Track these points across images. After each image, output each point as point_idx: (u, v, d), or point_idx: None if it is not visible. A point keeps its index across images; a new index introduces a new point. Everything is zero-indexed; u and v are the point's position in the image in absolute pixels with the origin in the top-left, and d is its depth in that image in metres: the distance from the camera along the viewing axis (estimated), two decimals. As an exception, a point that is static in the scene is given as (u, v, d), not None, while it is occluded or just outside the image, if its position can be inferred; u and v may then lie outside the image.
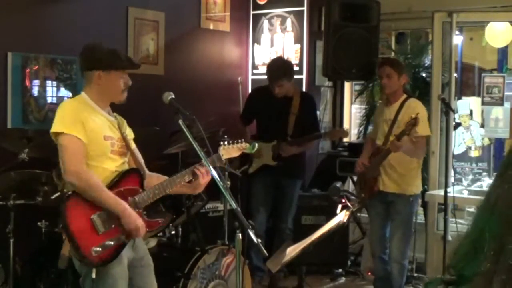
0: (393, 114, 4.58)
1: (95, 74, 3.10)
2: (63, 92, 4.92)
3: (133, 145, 3.27)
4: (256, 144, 3.51)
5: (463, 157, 6.19)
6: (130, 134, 3.28)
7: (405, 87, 4.89)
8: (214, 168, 3.04)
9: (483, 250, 0.88)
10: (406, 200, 4.61)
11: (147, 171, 3.29)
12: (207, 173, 3.15)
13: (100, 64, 3.10)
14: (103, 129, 3.08)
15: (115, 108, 3.28)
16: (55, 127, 3.00)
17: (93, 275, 2.93)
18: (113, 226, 2.99)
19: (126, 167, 3.18)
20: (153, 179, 3.26)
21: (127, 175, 3.14)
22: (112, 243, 2.97)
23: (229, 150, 3.38)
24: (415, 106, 4.54)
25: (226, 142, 3.38)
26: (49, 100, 4.83)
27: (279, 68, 5.28)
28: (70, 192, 2.99)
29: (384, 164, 4.58)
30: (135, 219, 3.02)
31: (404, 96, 4.68)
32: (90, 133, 3.01)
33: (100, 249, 2.92)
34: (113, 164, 3.10)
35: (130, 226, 3.01)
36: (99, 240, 2.94)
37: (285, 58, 6.07)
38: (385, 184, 4.62)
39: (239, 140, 3.43)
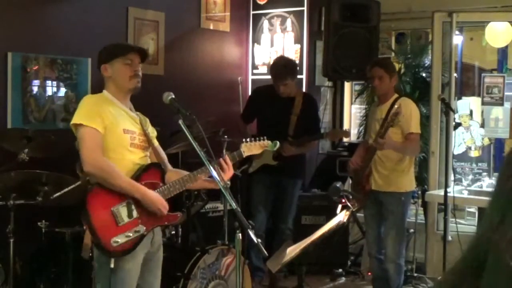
0: (384, 113, 4.57)
1: (102, 68, 3.21)
2: (63, 92, 4.92)
3: (156, 143, 3.34)
4: (278, 143, 3.53)
5: (463, 157, 6.18)
6: (152, 132, 3.35)
7: (397, 86, 4.89)
8: (214, 168, 3.05)
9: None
10: (398, 199, 4.60)
11: (169, 166, 3.36)
12: (230, 168, 3.21)
13: (103, 58, 3.22)
14: (122, 122, 3.14)
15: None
16: (74, 119, 3.08)
17: (112, 265, 2.97)
18: (133, 218, 3.06)
19: (148, 160, 3.24)
20: (174, 174, 3.31)
21: (148, 169, 3.20)
22: (131, 234, 3.03)
23: (250, 147, 3.41)
24: (406, 104, 4.53)
25: (248, 139, 3.42)
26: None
27: (284, 66, 5.25)
28: (93, 183, 3.06)
29: (375, 161, 4.59)
30: (156, 200, 3.09)
31: (395, 95, 4.68)
32: (109, 125, 3.07)
33: (119, 240, 2.99)
34: (135, 157, 3.17)
35: (152, 207, 3.08)
36: (118, 231, 3.00)
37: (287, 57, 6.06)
38: (377, 183, 4.62)
39: (261, 138, 3.45)
